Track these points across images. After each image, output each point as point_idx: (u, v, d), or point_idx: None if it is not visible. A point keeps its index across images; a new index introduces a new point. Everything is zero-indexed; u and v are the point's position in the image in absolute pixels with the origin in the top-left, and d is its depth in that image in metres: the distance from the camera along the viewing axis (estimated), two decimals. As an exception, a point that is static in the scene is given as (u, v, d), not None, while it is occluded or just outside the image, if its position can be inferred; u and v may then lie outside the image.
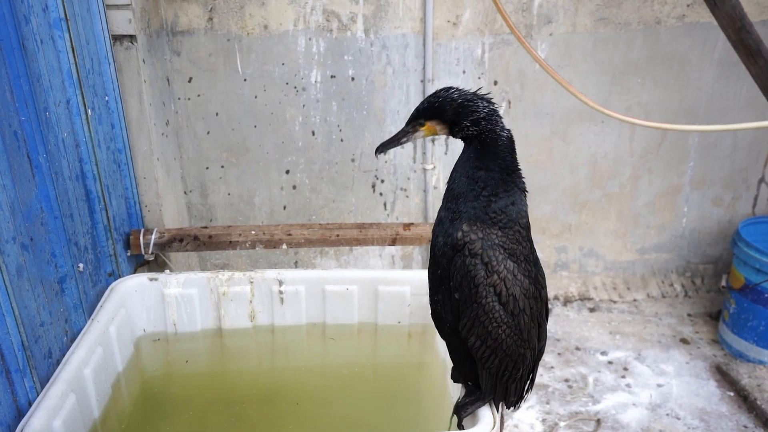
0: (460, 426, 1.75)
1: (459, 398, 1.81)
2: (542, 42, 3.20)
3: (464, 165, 1.59)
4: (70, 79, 2.15)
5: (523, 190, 1.60)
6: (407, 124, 1.62)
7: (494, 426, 1.72)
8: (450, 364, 2.02)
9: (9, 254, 1.74)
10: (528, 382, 1.77)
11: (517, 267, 1.57)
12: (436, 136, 1.62)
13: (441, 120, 1.57)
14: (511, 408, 1.79)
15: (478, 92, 1.56)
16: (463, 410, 1.74)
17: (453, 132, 1.58)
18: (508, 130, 1.57)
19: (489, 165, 1.55)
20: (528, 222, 1.63)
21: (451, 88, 1.56)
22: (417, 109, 1.59)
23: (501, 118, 1.56)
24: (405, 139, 1.63)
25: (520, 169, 1.60)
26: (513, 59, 3.23)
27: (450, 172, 1.65)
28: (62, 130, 2.10)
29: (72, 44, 2.14)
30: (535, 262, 1.66)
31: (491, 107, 1.54)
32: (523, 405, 2.95)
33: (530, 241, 1.63)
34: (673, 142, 3.47)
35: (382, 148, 1.65)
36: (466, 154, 1.59)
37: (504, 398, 1.74)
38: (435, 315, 1.73)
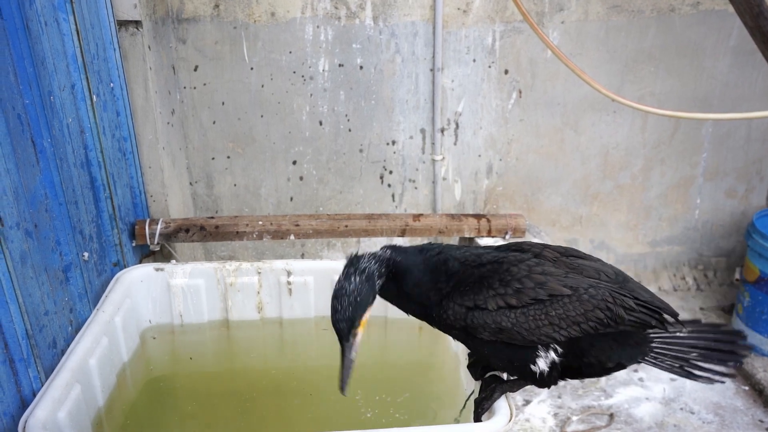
0: (477, 419, 1.71)
1: (478, 393, 1.78)
2: (554, 30, 3.14)
3: (403, 299, 1.71)
4: (75, 64, 2.10)
5: (439, 252, 1.69)
6: (344, 338, 1.60)
7: (510, 418, 1.68)
8: (463, 358, 1.99)
9: (13, 240, 1.70)
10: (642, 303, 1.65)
11: (496, 275, 1.62)
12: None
13: (370, 304, 1.61)
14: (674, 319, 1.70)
15: (351, 263, 1.61)
16: (482, 405, 1.70)
17: (374, 298, 1.63)
18: (387, 249, 1.67)
19: (414, 282, 1.65)
20: (467, 248, 1.73)
21: (342, 287, 1.57)
22: (344, 320, 1.57)
23: (378, 254, 1.63)
24: (354, 354, 1.61)
25: (417, 255, 1.68)
26: (524, 48, 3.17)
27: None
28: (67, 115, 2.05)
29: (77, 27, 2.09)
30: (509, 248, 1.74)
31: (370, 260, 1.61)
32: (535, 399, 2.91)
33: (486, 252, 1.71)
34: (686, 132, 3.42)
35: (345, 381, 1.62)
36: (395, 294, 1.70)
37: (651, 325, 1.63)
38: (485, 360, 1.84)
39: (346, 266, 1.61)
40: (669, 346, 1.69)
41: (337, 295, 1.57)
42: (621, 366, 1.69)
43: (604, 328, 1.60)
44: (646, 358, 1.68)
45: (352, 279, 1.57)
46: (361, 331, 1.60)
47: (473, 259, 1.67)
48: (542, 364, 1.64)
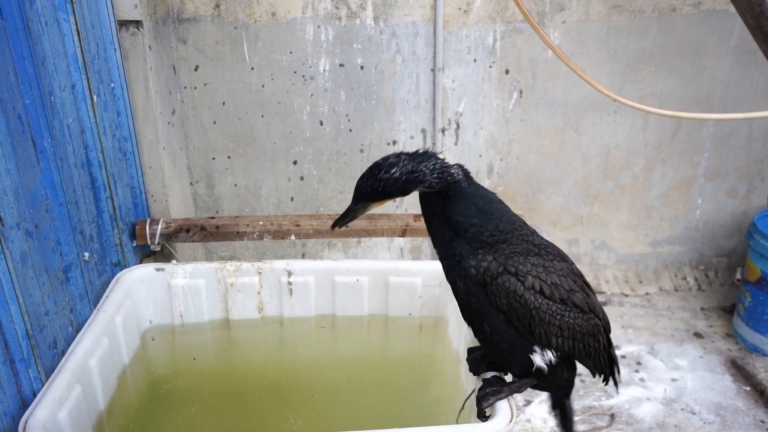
0: (480, 416, 1.71)
1: (479, 389, 1.77)
2: (554, 30, 3.14)
3: (439, 219, 1.60)
4: (75, 64, 2.10)
5: (501, 202, 1.63)
6: (354, 202, 1.58)
7: (511, 419, 1.68)
8: (464, 356, 1.98)
9: (13, 240, 1.70)
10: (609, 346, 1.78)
11: (539, 258, 1.60)
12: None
13: (389, 198, 1.56)
14: (614, 380, 1.82)
15: (419, 154, 1.52)
16: (484, 401, 1.70)
17: (401, 196, 1.56)
18: (459, 168, 1.55)
19: (462, 211, 1.56)
20: (522, 221, 1.66)
21: (391, 163, 1.51)
22: (361, 192, 1.55)
23: (449, 167, 1.53)
24: (353, 216, 1.60)
25: (487, 192, 1.61)
26: (525, 48, 3.17)
27: (427, 217, 1.64)
28: (67, 115, 2.05)
29: (77, 27, 2.09)
30: (552, 245, 1.70)
31: (436, 164, 1.51)
32: (536, 400, 2.91)
33: (536, 233, 1.67)
34: (687, 132, 3.41)
35: (339, 222, 1.62)
36: (434, 209, 1.59)
37: (605, 372, 1.78)
38: (486, 344, 1.77)
39: (412, 155, 1.52)
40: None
41: (371, 171, 1.52)
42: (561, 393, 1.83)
43: (584, 357, 1.70)
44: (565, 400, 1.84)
45: (393, 171, 1.49)
46: (372, 206, 1.59)
47: (526, 233, 1.63)
48: (539, 360, 1.66)
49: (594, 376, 1.80)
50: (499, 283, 1.55)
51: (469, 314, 1.69)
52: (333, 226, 1.63)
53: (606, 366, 1.77)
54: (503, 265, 1.55)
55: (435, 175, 1.51)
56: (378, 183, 1.51)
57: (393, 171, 1.50)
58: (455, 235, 1.58)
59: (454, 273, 1.63)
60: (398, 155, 1.52)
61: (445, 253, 1.63)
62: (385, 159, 1.52)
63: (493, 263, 1.55)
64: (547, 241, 1.70)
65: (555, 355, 1.66)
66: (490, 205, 1.58)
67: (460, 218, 1.56)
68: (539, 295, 1.57)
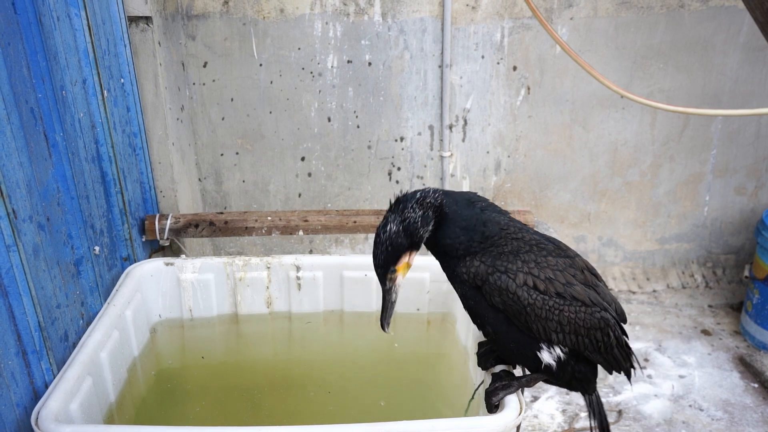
0: (490, 411, 1.71)
1: (488, 384, 1.78)
2: (562, 26, 3.13)
3: (433, 243, 1.66)
4: (87, 59, 2.11)
5: (483, 204, 1.66)
6: (382, 282, 1.63)
7: (520, 412, 1.68)
8: (472, 352, 1.99)
9: (26, 233, 1.71)
10: (627, 341, 1.75)
11: (531, 254, 1.61)
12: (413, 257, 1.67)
13: (404, 252, 1.60)
14: (632, 374, 1.79)
15: (394, 203, 1.59)
16: (494, 395, 1.70)
17: (420, 244, 1.62)
18: (435, 192, 1.61)
19: (449, 235, 1.62)
20: (509, 219, 1.68)
21: (383, 226, 1.58)
22: (380, 265, 1.60)
23: (425, 195, 1.59)
24: (394, 296, 1.64)
25: (466, 202, 1.64)
26: (533, 44, 3.17)
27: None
28: (78, 110, 2.06)
29: (89, 23, 2.11)
30: (548, 239, 1.70)
31: (413, 200, 1.57)
32: (543, 395, 2.91)
33: (526, 230, 1.68)
34: (695, 129, 3.41)
35: (386, 320, 1.66)
36: (432, 235, 1.65)
37: (619, 368, 1.74)
38: (494, 344, 1.81)
39: (391, 209, 1.60)
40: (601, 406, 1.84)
41: (375, 242, 1.59)
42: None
43: (591, 352, 1.67)
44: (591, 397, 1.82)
45: (389, 228, 1.57)
46: (400, 275, 1.63)
47: (514, 231, 1.64)
48: (546, 357, 1.66)
49: (611, 373, 1.75)
50: (491, 283, 1.59)
51: (472, 316, 1.73)
52: (383, 327, 1.65)
53: (624, 360, 1.72)
54: (492, 266, 1.59)
55: (419, 213, 1.57)
56: (384, 245, 1.58)
57: (388, 228, 1.57)
58: (446, 256, 1.66)
59: (453, 279, 1.70)
60: (379, 226, 1.60)
61: (443, 263, 1.71)
62: (375, 237, 1.60)
63: (481, 267, 1.60)
64: (541, 236, 1.69)
65: (563, 350, 1.65)
66: (471, 219, 1.63)
67: (448, 242, 1.63)
68: (533, 291, 1.57)
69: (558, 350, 1.65)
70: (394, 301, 1.65)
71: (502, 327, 1.64)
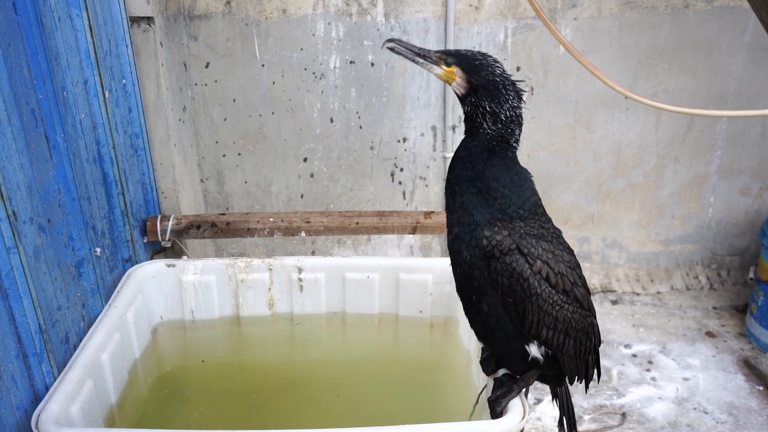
0: (494, 416, 1.70)
1: (491, 392, 1.76)
2: (566, 26, 3.12)
3: (468, 182, 1.54)
4: (88, 60, 2.10)
5: (533, 184, 1.61)
6: (436, 52, 1.52)
7: (524, 416, 1.67)
8: (475, 356, 1.97)
9: (26, 235, 1.70)
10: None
11: (551, 244, 1.57)
12: (448, 85, 1.54)
13: (467, 77, 1.49)
14: (590, 383, 1.79)
15: (518, 83, 1.50)
16: (497, 404, 1.69)
17: (466, 97, 1.50)
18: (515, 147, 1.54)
19: (498, 177, 1.52)
20: (543, 209, 1.63)
21: (498, 61, 1.50)
22: (456, 51, 1.50)
23: (520, 126, 1.52)
24: (422, 60, 1.52)
25: (525, 169, 1.59)
26: (536, 45, 3.16)
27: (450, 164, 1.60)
28: (80, 111, 2.05)
29: (90, 23, 2.09)
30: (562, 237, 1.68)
31: (516, 111, 1.49)
32: (546, 398, 2.89)
33: (551, 222, 1.64)
34: (700, 130, 3.38)
35: (398, 45, 1.52)
36: (466, 171, 1.54)
37: (585, 375, 1.74)
38: (481, 327, 1.70)
39: (513, 81, 1.48)
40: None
41: (486, 55, 1.49)
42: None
43: (570, 355, 1.66)
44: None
45: (501, 69, 1.47)
46: (442, 71, 1.51)
47: (544, 219, 1.60)
48: (534, 350, 1.63)
49: (571, 383, 1.75)
50: (506, 262, 1.50)
51: (467, 289, 1.62)
52: (387, 43, 1.52)
53: (590, 367, 1.73)
54: (516, 243, 1.50)
55: (508, 114, 1.48)
56: (478, 60, 1.47)
57: (497, 66, 1.47)
58: (481, 200, 1.53)
59: (463, 241, 1.56)
60: (503, 68, 1.50)
61: (461, 218, 1.56)
62: (496, 59, 1.50)
63: (507, 239, 1.50)
64: (559, 231, 1.67)
65: (545, 350, 1.63)
66: (524, 182, 1.56)
67: (494, 184, 1.52)
68: (544, 282, 1.53)
69: (543, 348, 1.63)
70: (416, 60, 1.52)
71: (498, 309, 1.58)
